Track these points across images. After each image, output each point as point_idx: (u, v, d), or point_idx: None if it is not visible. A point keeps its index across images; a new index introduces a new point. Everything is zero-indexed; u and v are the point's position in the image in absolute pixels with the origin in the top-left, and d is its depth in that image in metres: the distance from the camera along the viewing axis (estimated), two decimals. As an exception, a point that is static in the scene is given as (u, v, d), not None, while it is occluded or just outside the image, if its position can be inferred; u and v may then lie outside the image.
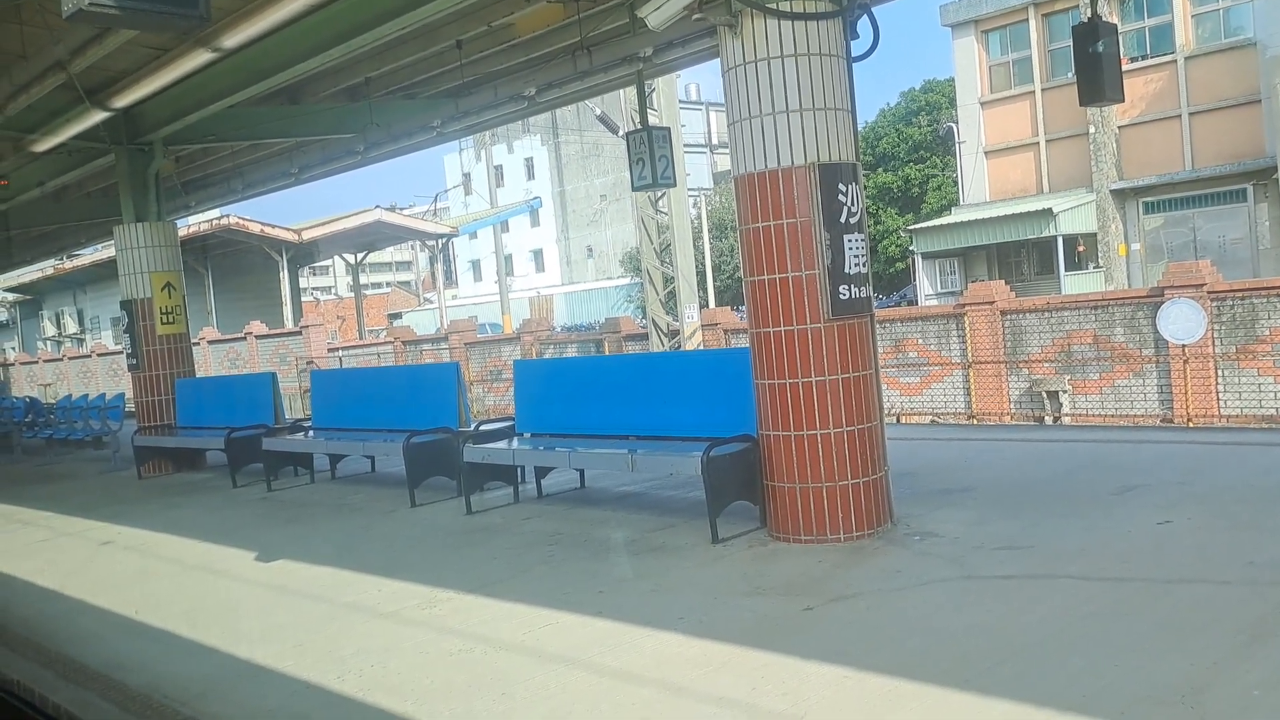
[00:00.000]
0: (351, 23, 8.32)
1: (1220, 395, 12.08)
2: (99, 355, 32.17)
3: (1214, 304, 12.12)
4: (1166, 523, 5.63)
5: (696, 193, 43.29)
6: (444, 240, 40.47)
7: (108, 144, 11.66)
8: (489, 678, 4.27)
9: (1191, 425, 11.42)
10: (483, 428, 8.70)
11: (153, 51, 9.21)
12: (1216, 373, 12.12)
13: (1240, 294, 12.17)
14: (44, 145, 11.05)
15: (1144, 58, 25.83)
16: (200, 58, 8.45)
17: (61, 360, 34.77)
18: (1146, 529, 5.55)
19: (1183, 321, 11.83)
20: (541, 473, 8.25)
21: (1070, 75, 22.91)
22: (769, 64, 5.74)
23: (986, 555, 5.31)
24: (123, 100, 9.82)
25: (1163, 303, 12.21)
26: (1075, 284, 26.23)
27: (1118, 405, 12.98)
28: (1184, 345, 11.91)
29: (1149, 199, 26.21)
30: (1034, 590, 4.71)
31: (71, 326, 42.59)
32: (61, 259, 33.55)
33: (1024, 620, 4.29)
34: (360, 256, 37.46)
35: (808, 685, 3.82)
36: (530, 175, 63.79)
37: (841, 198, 5.81)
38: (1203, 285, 12.17)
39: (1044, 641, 4.04)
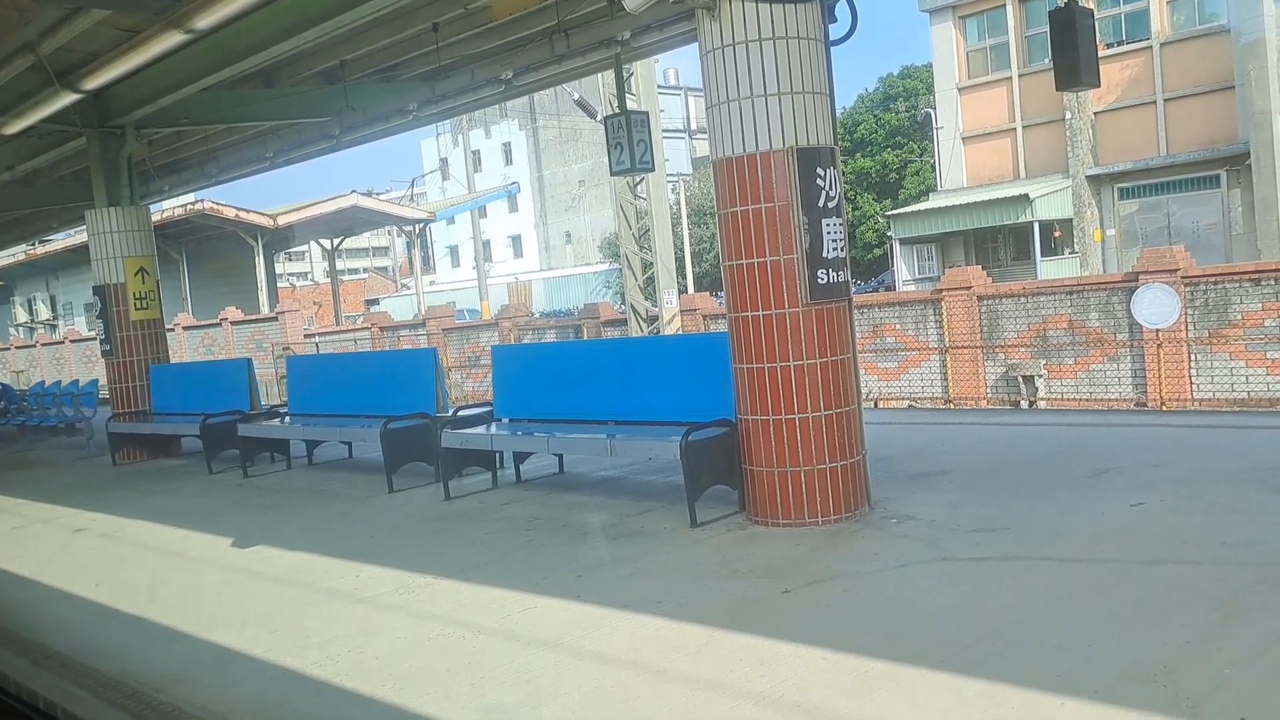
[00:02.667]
0: (326, 4, 8.24)
1: (1193, 379, 12.21)
2: (72, 341, 31.87)
3: (1187, 289, 12.24)
4: (1140, 505, 5.68)
5: (675, 178, 43.26)
6: (421, 226, 40.25)
7: (79, 127, 11.51)
8: (467, 662, 4.26)
9: (1165, 409, 11.54)
10: (461, 413, 8.67)
11: (124, 33, 9.08)
12: (1190, 357, 12.24)
13: (1213, 279, 12.30)
14: (13, 128, 10.89)
15: (1120, 43, 25.96)
16: (172, 39, 8.34)
17: (34, 347, 34.42)
18: (1120, 511, 5.60)
19: (1157, 306, 11.94)
20: (520, 458, 8.23)
21: (1047, 61, 23.01)
22: (747, 47, 5.72)
23: (963, 538, 5.35)
24: (93, 82, 9.69)
25: (1137, 288, 12.31)
26: (1051, 269, 26.41)
27: (1092, 389, 13.10)
28: (1158, 330, 12.02)
29: (1124, 185, 26.40)
30: (1009, 572, 4.74)
31: (44, 312, 42.16)
32: (33, 244, 33.17)
33: (999, 601, 4.33)
34: (337, 242, 37.21)
35: (785, 666, 3.84)
36: (508, 160, 63.54)
37: (820, 182, 5.81)
38: (1176, 270, 12.29)
39: (1019, 622, 4.07)
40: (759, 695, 3.60)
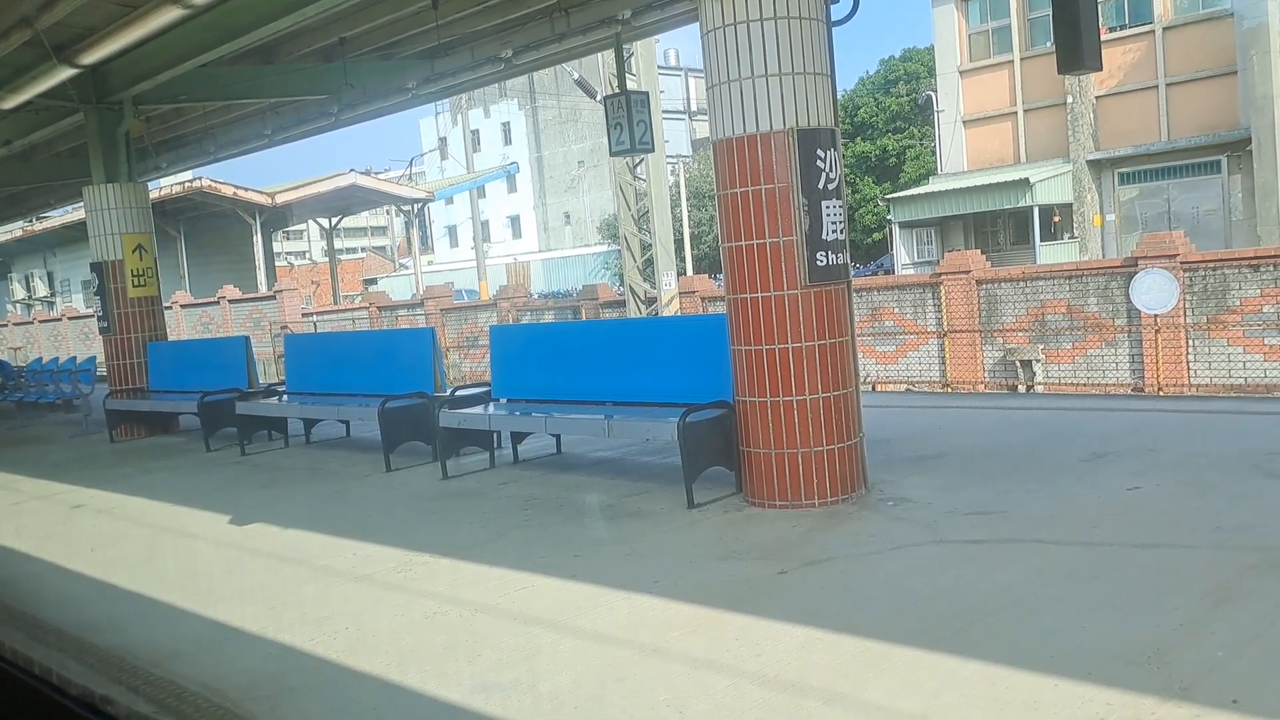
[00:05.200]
0: (325, -20, 8.19)
1: (1191, 365, 12.21)
2: (70, 318, 31.82)
3: (1186, 275, 12.23)
4: (1136, 489, 5.69)
5: (675, 160, 43.11)
6: (420, 205, 40.10)
7: (76, 103, 11.45)
8: (465, 639, 4.28)
9: (1162, 394, 11.55)
10: (458, 393, 8.67)
11: (121, 8, 9.02)
12: (1187, 342, 12.24)
13: (1212, 265, 12.28)
14: (10, 103, 10.84)
15: (1122, 27, 25.85)
16: (170, 14, 8.29)
17: (32, 323, 34.36)
18: (1116, 495, 5.61)
19: (1155, 292, 11.93)
20: (518, 438, 8.24)
21: (1049, 44, 22.93)
22: (748, 27, 5.69)
23: (959, 520, 5.36)
24: (91, 57, 9.64)
25: (1136, 273, 12.30)
26: (1050, 254, 26.38)
27: (1090, 374, 13.11)
28: (1156, 315, 12.02)
29: (1125, 170, 26.34)
30: (1005, 554, 4.76)
31: (42, 289, 42.08)
32: (30, 221, 33.05)
33: (995, 583, 4.34)
34: (335, 221, 37.10)
35: (781, 646, 3.86)
36: (507, 140, 63.29)
37: (820, 163, 5.79)
38: (1176, 256, 12.27)
39: (1014, 604, 4.09)
40: (756, 674, 3.61)
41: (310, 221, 40.66)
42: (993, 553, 4.81)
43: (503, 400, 8.15)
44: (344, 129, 14.92)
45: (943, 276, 14.37)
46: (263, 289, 29.62)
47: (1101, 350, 13.10)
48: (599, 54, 15.19)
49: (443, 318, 20.54)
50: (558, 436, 8.32)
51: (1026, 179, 26.34)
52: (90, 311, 27.02)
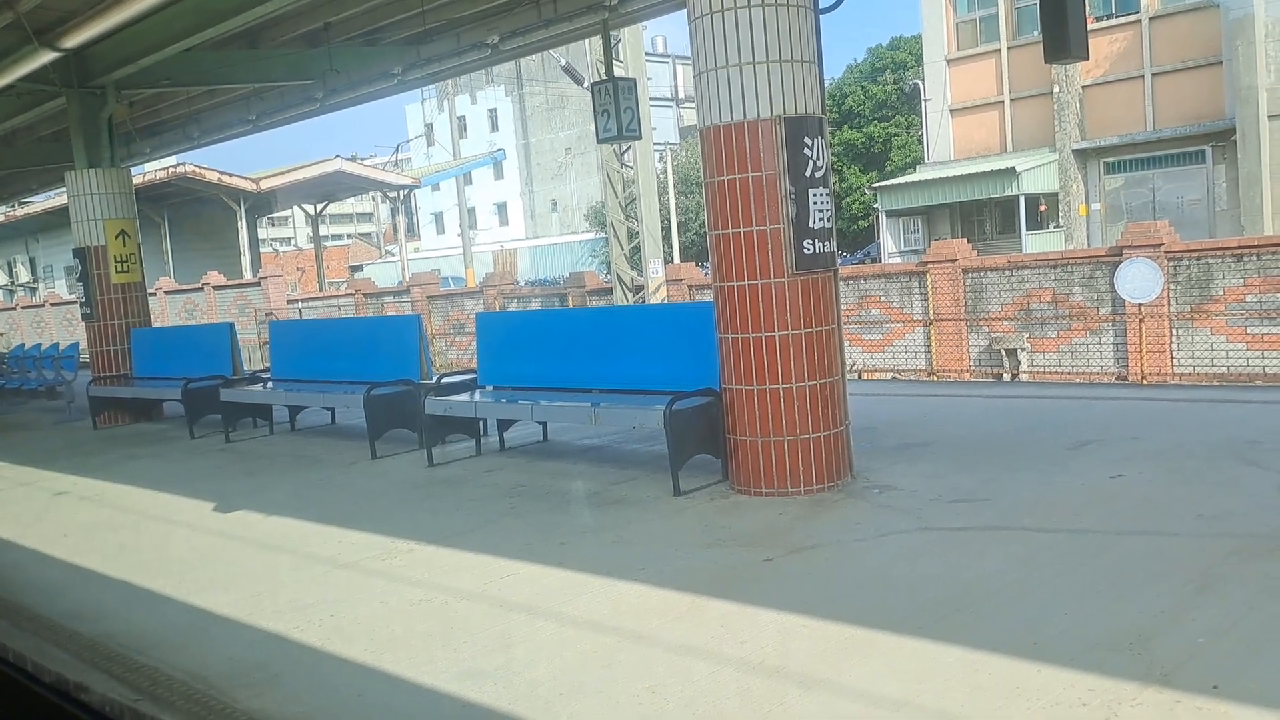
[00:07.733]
0: (310, -36, 8.12)
1: (1174, 354, 12.28)
2: (52, 304, 31.60)
3: (1171, 264, 12.28)
4: (1119, 477, 5.72)
5: (662, 147, 43.00)
6: (405, 192, 39.93)
7: (58, 87, 11.34)
8: (450, 627, 4.28)
9: (1145, 383, 11.62)
10: (445, 380, 8.65)
11: (104, -10, 8.95)
12: (1171, 331, 12.31)
13: (1196, 254, 12.34)
14: (-10, 87, 10.75)
15: (1109, 17, 25.90)
16: (153, -3, 8.23)
17: (14, 309, 34.11)
18: (1100, 483, 5.64)
19: (1140, 281, 11.98)
20: (504, 426, 8.23)
21: (1036, 33, 22.94)
22: (735, 13, 5.67)
23: (944, 508, 5.38)
24: (73, 40, 9.55)
25: (1121, 262, 12.35)
26: (1036, 243, 26.47)
27: (1074, 363, 13.17)
28: (1140, 304, 12.07)
29: (1110, 159, 26.42)
30: (989, 541, 4.78)
31: (24, 275, 41.74)
32: (12, 206, 32.76)
33: (979, 570, 4.36)
34: (320, 207, 36.89)
35: (766, 633, 3.87)
36: (494, 127, 63.01)
37: (807, 151, 5.79)
38: (1160, 245, 12.32)
39: (998, 591, 4.11)
40: (740, 660, 3.63)
41: (295, 208, 40.40)
42: (977, 540, 4.83)
43: (489, 388, 8.13)
44: (329, 115, 14.83)
45: (929, 265, 14.40)
46: (247, 275, 29.47)
47: (1086, 339, 13.16)
48: (586, 40, 15.12)
49: (429, 305, 20.48)
50: (544, 424, 8.31)
51: (1013, 168, 26.39)
52: (73, 297, 26.83)
